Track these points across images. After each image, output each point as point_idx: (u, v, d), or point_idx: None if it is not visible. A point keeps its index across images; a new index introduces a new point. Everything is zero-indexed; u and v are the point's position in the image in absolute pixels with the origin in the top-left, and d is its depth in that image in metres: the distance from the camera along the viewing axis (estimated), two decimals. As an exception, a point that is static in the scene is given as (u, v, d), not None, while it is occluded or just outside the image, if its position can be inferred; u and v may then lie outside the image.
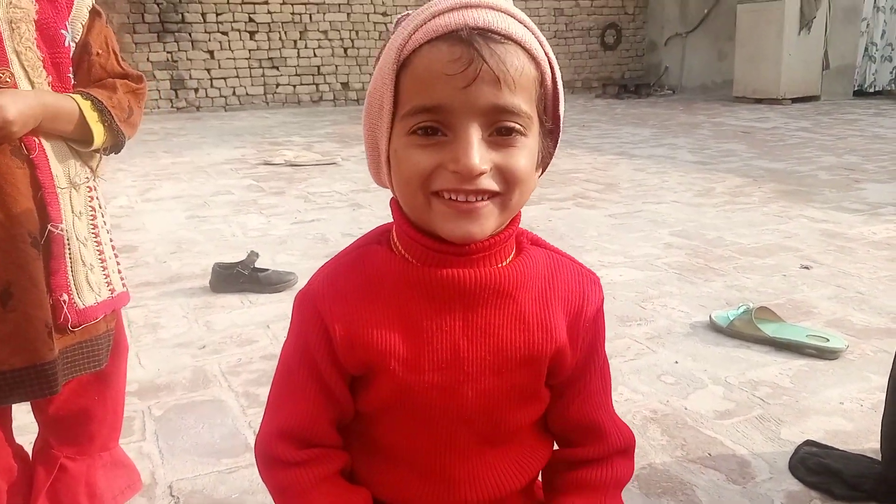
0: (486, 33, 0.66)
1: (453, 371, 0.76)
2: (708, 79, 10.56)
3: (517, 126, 0.68)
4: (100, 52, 1.26)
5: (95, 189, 1.29)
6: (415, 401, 0.77)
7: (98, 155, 1.28)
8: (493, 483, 0.82)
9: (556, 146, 0.78)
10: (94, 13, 1.24)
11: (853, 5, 9.01)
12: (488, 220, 0.70)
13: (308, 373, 0.78)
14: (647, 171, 4.85)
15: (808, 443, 1.56)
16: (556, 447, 0.88)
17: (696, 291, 2.53)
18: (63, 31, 1.18)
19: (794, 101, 8.75)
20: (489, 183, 0.68)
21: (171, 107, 9.11)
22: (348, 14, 9.77)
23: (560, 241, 3.08)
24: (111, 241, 1.33)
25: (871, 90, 9.18)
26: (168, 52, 9.04)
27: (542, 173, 0.78)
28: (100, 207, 1.29)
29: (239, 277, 2.53)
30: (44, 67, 1.16)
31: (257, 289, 2.52)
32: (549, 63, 0.72)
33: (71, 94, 1.18)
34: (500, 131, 0.68)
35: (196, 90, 9.23)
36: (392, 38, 0.70)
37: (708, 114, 8.12)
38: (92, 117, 1.19)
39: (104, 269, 1.27)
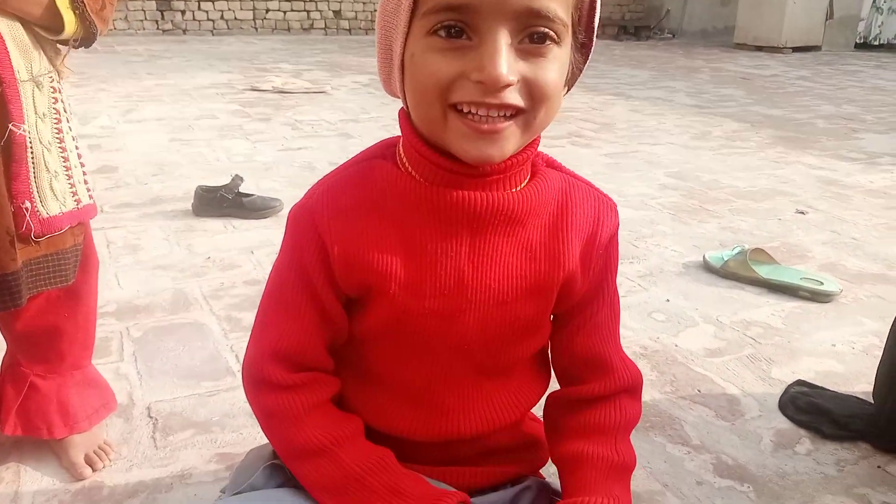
0: None
1: (456, 298, 0.71)
2: (709, 24, 10.33)
3: (550, 33, 0.60)
4: None
5: (60, 91, 1.19)
6: (413, 327, 0.72)
7: (64, 49, 1.19)
8: (486, 415, 0.77)
9: (586, 62, 0.70)
10: None
11: (862, -48, 8.77)
12: (509, 142, 0.63)
13: (302, 290, 0.73)
14: (643, 113, 4.75)
15: (799, 382, 1.54)
16: (559, 387, 0.83)
17: (690, 232, 2.49)
18: None
19: (795, 49, 8.59)
20: (515, 97, 0.60)
21: (157, 28, 8.80)
22: (342, -61, 9.40)
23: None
24: (77, 148, 1.23)
25: (877, 42, 9.02)
26: (153, -29, 8.68)
27: (568, 91, 0.70)
28: (65, 111, 1.20)
29: (222, 201, 2.45)
30: None
31: (241, 214, 2.45)
32: None
33: None
34: (532, 38, 0.60)
35: (183, 12, 8.90)
36: None
37: (707, 59, 7.97)
38: (63, 2, 1.09)
39: (69, 177, 1.19)
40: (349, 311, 0.76)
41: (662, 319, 1.83)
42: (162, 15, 8.82)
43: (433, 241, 0.70)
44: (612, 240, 0.78)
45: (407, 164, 0.70)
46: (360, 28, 9.65)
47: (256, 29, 9.23)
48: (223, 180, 2.61)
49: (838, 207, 2.80)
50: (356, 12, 9.67)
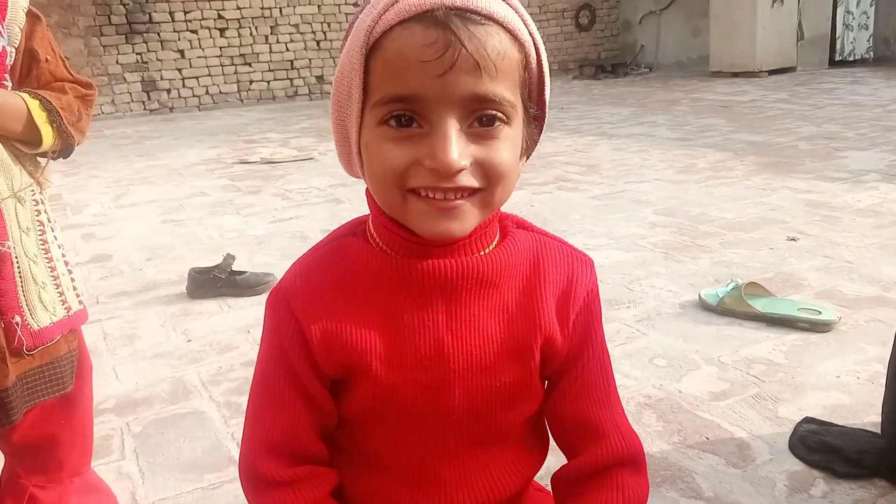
0: (465, 13, 0.59)
1: (438, 368, 0.71)
2: (684, 55, 10.52)
3: (499, 115, 0.62)
4: (48, 58, 1.18)
5: (42, 203, 1.21)
6: (399, 401, 0.72)
7: (43, 162, 1.21)
8: (486, 486, 0.76)
9: (541, 132, 0.72)
10: (32, 16, 1.17)
11: (824, -26, 8.99)
12: (468, 218, 0.64)
13: (286, 379, 0.72)
14: (627, 151, 4.80)
15: (807, 420, 1.52)
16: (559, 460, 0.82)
17: (684, 270, 2.49)
18: None
19: (771, 73, 8.74)
20: (469, 179, 0.62)
21: (144, 109, 8.95)
22: (319, 6, 9.63)
23: (543, 225, 3.01)
24: (63, 256, 1.25)
25: (851, 58, 9.18)
26: (137, 54, 8.87)
27: (525, 160, 0.72)
28: (48, 221, 1.21)
29: (216, 282, 2.46)
30: None
31: (235, 292, 2.46)
32: (535, 44, 0.65)
33: (18, 93, 1.11)
34: (481, 121, 0.62)
35: (168, 91, 9.07)
36: (360, 18, 0.64)
37: (685, 90, 8.10)
38: (41, 117, 1.12)
39: (57, 286, 1.20)
40: (336, 394, 0.75)
41: (664, 365, 1.82)
42: (148, 95, 8.98)
43: (409, 312, 0.70)
44: (591, 296, 0.77)
45: (377, 240, 0.71)
46: (343, 90, 9.80)
47: (242, 100, 9.39)
48: (216, 259, 2.62)
49: (829, 230, 2.81)
50: (338, 75, 9.85)
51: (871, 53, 9.27)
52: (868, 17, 9.19)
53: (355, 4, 0.69)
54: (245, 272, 2.53)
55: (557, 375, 0.78)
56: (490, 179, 0.63)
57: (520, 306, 0.72)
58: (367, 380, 0.71)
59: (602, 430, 0.76)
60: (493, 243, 0.72)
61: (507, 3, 0.63)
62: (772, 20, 8.62)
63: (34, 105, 1.11)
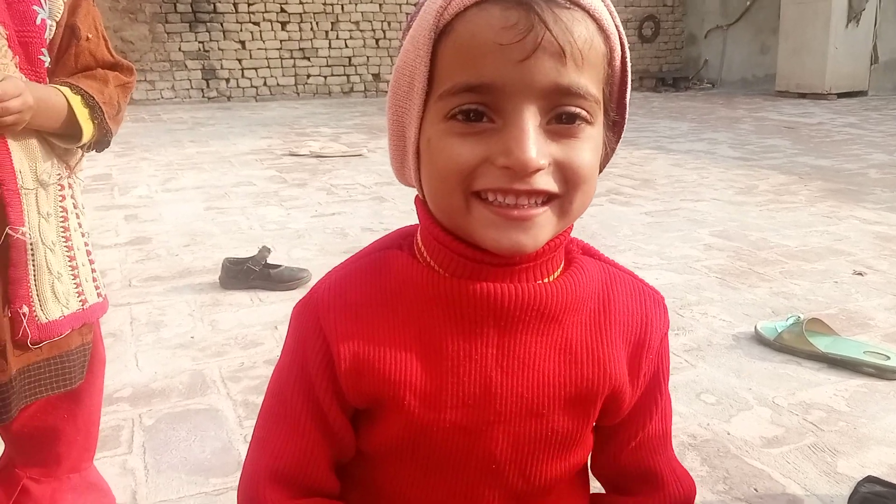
0: None
1: (482, 409, 0.61)
2: (749, 73, 10.21)
3: (583, 112, 0.54)
4: (89, 36, 1.12)
5: (71, 187, 1.15)
6: (432, 443, 0.62)
7: (80, 152, 1.16)
8: None
9: (618, 141, 0.63)
10: None
11: (906, -4, 8.60)
12: (543, 230, 0.56)
13: (303, 400, 0.63)
14: (685, 167, 4.62)
15: (870, 479, 1.37)
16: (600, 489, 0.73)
17: (740, 298, 2.33)
18: (36, 7, 1.04)
19: (840, 95, 8.39)
20: (547, 182, 0.54)
21: (203, 96, 9.08)
22: (380, 5, 9.64)
23: (592, 239, 2.89)
24: (86, 245, 1.18)
25: (924, 85, 8.77)
26: (200, 42, 9.01)
27: (600, 172, 0.62)
28: (74, 208, 1.15)
29: (249, 274, 2.40)
30: (9, 46, 1.02)
31: (268, 286, 2.39)
32: (620, 38, 0.57)
33: (59, 87, 1.06)
34: (562, 118, 0.54)
35: (227, 80, 9.19)
36: (429, 1, 0.56)
37: (749, 108, 7.82)
38: (83, 114, 1.07)
39: (74, 277, 1.13)
40: (357, 423, 0.66)
41: (713, 402, 1.68)
42: (207, 83, 9.11)
43: (455, 342, 0.60)
44: (663, 342, 0.67)
45: (426, 255, 0.62)
46: (398, 89, 9.79)
47: (298, 94, 9.45)
48: (254, 250, 2.57)
49: (900, 267, 2.61)
50: (394, 74, 9.84)
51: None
52: (951, 44, 8.75)
53: (416, 4, 0.61)
54: (279, 266, 2.47)
55: (617, 427, 0.68)
56: (569, 184, 0.55)
57: (585, 347, 0.62)
58: (398, 415, 0.61)
59: (661, 479, 0.69)
60: (558, 270, 0.63)
61: None
62: (845, 40, 8.28)
63: (76, 101, 1.07)
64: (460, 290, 0.59)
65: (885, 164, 4.58)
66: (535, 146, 0.52)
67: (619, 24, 0.57)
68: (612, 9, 0.56)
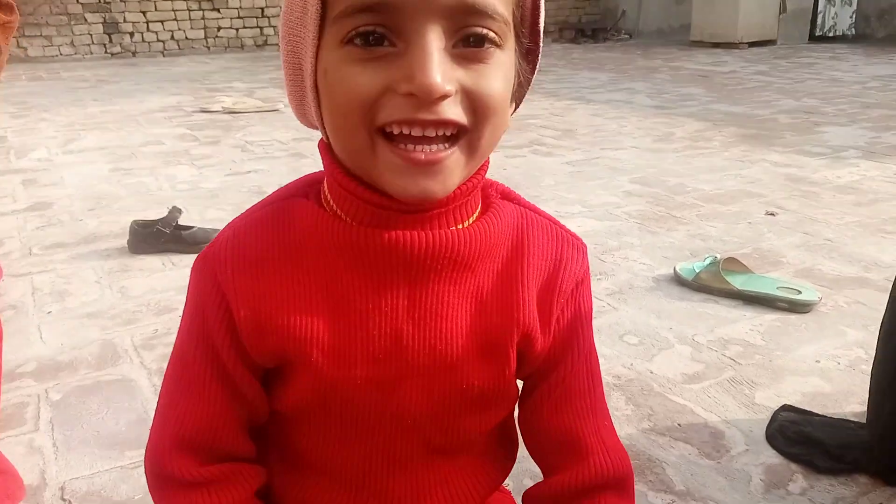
0: None
1: (393, 363, 0.58)
2: (665, 23, 10.37)
3: (491, 34, 0.49)
4: None
5: None
6: (344, 400, 0.59)
7: None
8: (443, 500, 0.64)
9: (534, 72, 0.58)
10: None
11: (811, -54, 8.86)
12: (453, 174, 0.52)
13: (207, 362, 0.59)
14: (604, 117, 4.66)
15: (786, 408, 1.42)
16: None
17: (659, 242, 2.37)
18: None
19: (751, 45, 8.63)
20: (455, 111, 0.49)
21: (105, 52, 8.56)
22: (292, -47, 9.25)
23: (515, 189, 2.89)
24: None
25: (832, 34, 9.09)
26: (99, -6, 8.44)
27: (515, 109, 0.59)
28: None
29: (160, 236, 2.27)
30: None
31: (181, 248, 2.28)
32: None
33: None
34: (469, 41, 0.49)
35: (131, 34, 8.68)
36: None
37: (665, 58, 7.95)
38: None
39: None
40: (268, 383, 0.62)
41: (635, 343, 1.71)
42: (110, 38, 8.58)
43: (364, 295, 0.56)
44: (581, 287, 0.64)
45: (332, 203, 0.57)
46: (315, 42, 9.47)
47: (209, 48, 9.02)
48: (164, 212, 2.44)
49: (808, 207, 2.72)
50: (310, 27, 9.51)
51: (854, 30, 9.18)
52: (852, -8, 9.10)
53: None
54: (192, 227, 2.35)
55: (536, 378, 0.65)
56: (478, 114, 0.50)
57: (495, 294, 0.59)
58: (306, 373, 0.58)
59: (586, 447, 0.64)
60: (474, 215, 0.59)
61: None
62: (755, -9, 8.49)
63: None
64: (368, 240, 0.55)
65: (793, 110, 4.75)
66: (441, 70, 0.47)
67: None
68: None
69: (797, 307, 1.85)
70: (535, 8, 0.55)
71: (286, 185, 0.63)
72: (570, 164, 3.45)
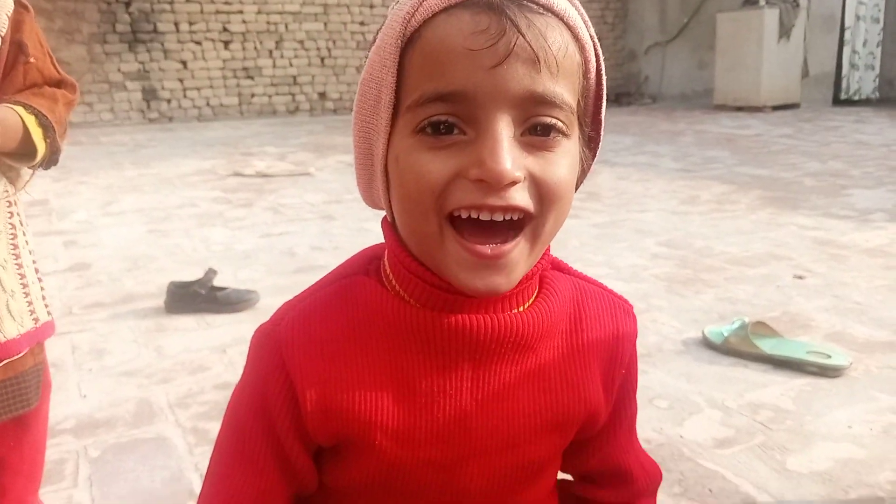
0: (522, 0, 0.50)
1: (457, 444, 0.58)
2: (688, 87, 10.52)
3: (559, 123, 0.51)
4: (37, 55, 1.10)
5: (15, 205, 1.13)
6: (404, 479, 0.59)
7: (29, 171, 1.13)
8: None
9: (594, 159, 0.60)
10: (20, 6, 1.08)
11: (831, 14, 9.01)
12: (518, 266, 0.53)
13: (263, 438, 0.59)
14: (630, 180, 4.72)
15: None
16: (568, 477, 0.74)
17: (687, 304, 2.38)
18: None
19: (775, 108, 8.71)
20: (522, 198, 0.51)
21: (143, 118, 8.89)
22: (325, 24, 9.62)
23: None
24: (34, 263, 1.16)
25: (856, 98, 9.16)
26: (140, 63, 8.83)
27: (575, 190, 0.60)
28: (21, 225, 1.13)
29: (195, 297, 2.34)
30: None
31: (215, 309, 2.34)
32: (595, 49, 0.55)
33: (13, 107, 1.03)
34: (537, 129, 0.51)
35: (168, 101, 9.02)
36: (396, 8, 0.53)
37: (689, 121, 8.05)
38: (37, 133, 1.06)
39: (26, 294, 1.11)
40: (322, 460, 0.62)
41: (665, 407, 1.70)
42: (148, 104, 8.92)
43: (429, 377, 0.57)
44: (633, 351, 0.66)
45: (394, 283, 0.58)
46: (344, 108, 9.77)
47: (242, 114, 9.34)
48: (199, 272, 2.51)
49: (837, 270, 2.71)
50: (340, 93, 9.82)
51: (877, 94, 9.24)
52: (875, 58, 9.18)
53: (361, 23, 0.58)
54: (226, 288, 2.42)
55: (586, 439, 0.67)
56: (544, 201, 0.52)
57: (559, 372, 0.61)
58: (369, 453, 0.59)
59: (630, 474, 0.70)
60: (533, 295, 0.60)
61: None
62: (777, 56, 8.61)
63: (31, 121, 1.05)
64: (434, 324, 0.56)
65: (818, 173, 4.76)
66: (510, 156, 0.49)
67: (594, 34, 0.55)
68: (587, 18, 0.55)
69: (827, 371, 1.84)
70: (598, 98, 0.57)
71: (346, 262, 0.64)
72: (596, 226, 3.49)
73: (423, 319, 0.56)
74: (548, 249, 0.64)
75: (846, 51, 9.03)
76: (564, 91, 0.51)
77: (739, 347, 1.95)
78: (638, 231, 3.37)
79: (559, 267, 0.65)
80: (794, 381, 1.82)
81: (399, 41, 0.51)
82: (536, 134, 0.51)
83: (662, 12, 10.86)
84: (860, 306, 2.32)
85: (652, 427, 1.61)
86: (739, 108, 8.76)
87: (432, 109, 0.50)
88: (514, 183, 0.50)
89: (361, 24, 9.69)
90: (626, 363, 0.65)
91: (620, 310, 0.65)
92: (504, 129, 0.50)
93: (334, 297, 0.60)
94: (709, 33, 9.54)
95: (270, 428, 0.59)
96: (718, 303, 2.39)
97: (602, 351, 0.63)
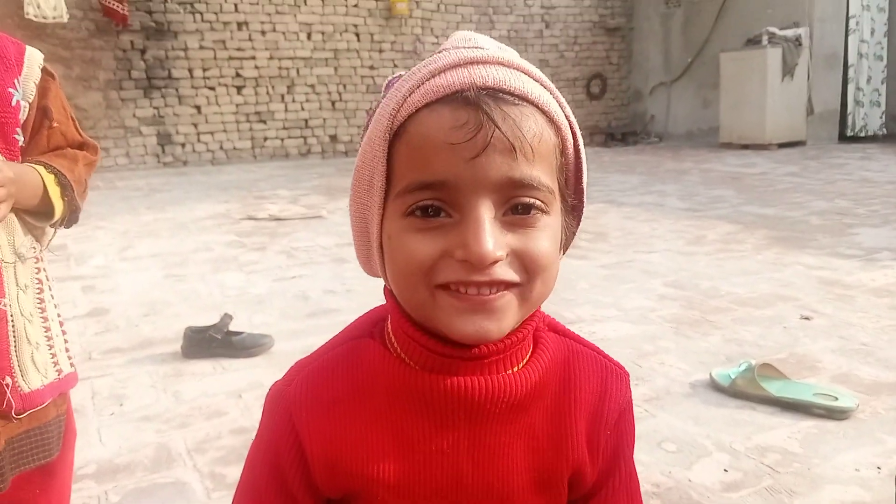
0: (497, 93, 0.55)
1: (453, 500, 0.63)
2: (694, 126, 10.64)
3: (537, 202, 0.56)
4: (60, 119, 1.18)
5: (42, 260, 1.19)
6: None
7: (52, 230, 1.20)
8: None
9: (578, 224, 0.65)
10: (46, 73, 1.16)
11: (833, 52, 9.14)
12: (506, 315, 0.57)
13: (277, 492, 0.65)
14: (636, 220, 4.77)
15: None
16: None
17: (694, 346, 2.41)
18: (11, 90, 1.09)
19: (781, 146, 8.78)
20: (506, 272, 0.56)
21: (158, 162, 9.06)
22: (335, 68, 9.83)
23: (551, 295, 2.96)
24: (59, 316, 1.22)
25: (862, 135, 9.23)
26: (154, 108, 9.03)
27: (562, 254, 0.65)
28: (46, 280, 1.19)
29: (211, 342, 2.39)
30: None
31: (231, 353, 2.39)
32: (571, 127, 0.60)
33: (34, 166, 1.10)
34: (517, 209, 0.56)
35: (183, 145, 9.20)
36: (383, 103, 0.59)
37: (695, 160, 8.13)
38: (55, 192, 1.12)
39: (50, 347, 1.16)
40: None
41: (673, 450, 1.73)
42: (163, 149, 9.10)
43: (427, 437, 0.62)
44: (624, 415, 0.69)
45: (396, 346, 0.63)
46: (354, 150, 9.93)
47: (255, 157, 9.50)
48: (215, 317, 2.57)
49: (843, 310, 2.74)
50: (351, 136, 9.99)
51: (884, 130, 9.31)
52: (880, 95, 9.28)
53: (371, 67, 0.65)
54: (242, 333, 2.47)
55: (579, 500, 0.70)
56: (529, 272, 0.56)
57: (547, 431, 0.64)
58: None
59: None
60: (527, 357, 0.64)
61: (542, 84, 0.58)
62: (781, 94, 8.73)
63: (50, 180, 1.11)
64: (432, 386, 0.60)
65: (825, 211, 4.80)
66: (492, 238, 0.54)
67: (570, 113, 0.60)
68: (562, 99, 0.60)
69: (834, 414, 1.86)
70: (578, 171, 0.62)
71: (354, 324, 0.69)
72: (603, 267, 3.53)
73: (423, 382, 0.60)
74: (544, 313, 0.68)
75: (850, 88, 9.14)
76: (541, 173, 0.56)
77: (747, 390, 1.98)
78: (645, 272, 3.41)
79: (555, 328, 0.69)
80: (802, 423, 1.84)
81: (387, 134, 0.57)
82: (517, 213, 0.56)
83: (667, 52, 11.04)
84: (867, 347, 2.35)
85: (661, 471, 1.64)
86: (745, 146, 8.84)
87: (419, 196, 0.55)
88: (496, 261, 0.54)
89: (371, 68, 9.91)
90: (613, 425, 0.67)
91: (612, 374, 0.68)
92: (485, 213, 0.54)
93: (341, 358, 0.65)
94: (712, 72, 9.68)
95: (283, 482, 0.64)
96: (725, 344, 2.42)
97: (587, 411, 0.66)
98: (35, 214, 1.12)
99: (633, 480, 0.71)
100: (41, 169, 1.10)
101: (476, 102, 0.54)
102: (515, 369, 0.62)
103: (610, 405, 0.67)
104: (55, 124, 1.16)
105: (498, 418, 0.62)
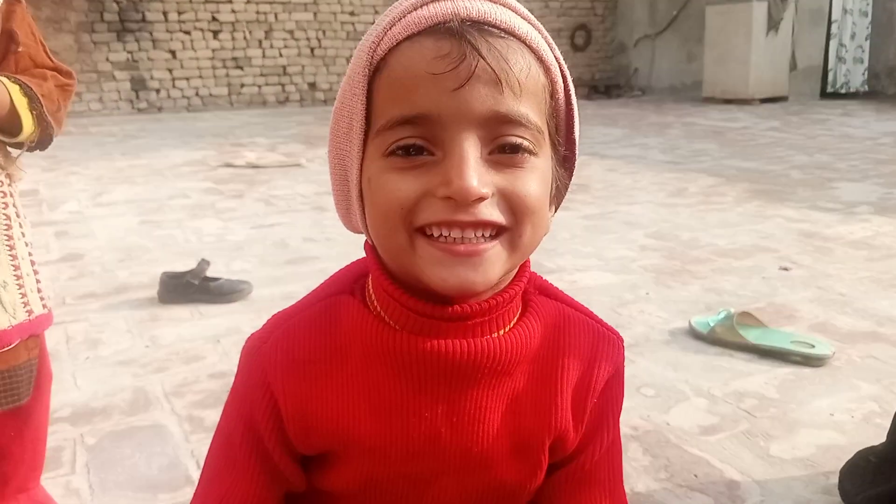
0: (482, 25, 0.52)
1: (429, 462, 0.61)
2: (677, 80, 10.58)
3: (525, 142, 0.53)
4: (28, 43, 1.11)
5: (11, 196, 1.14)
6: (381, 490, 0.63)
7: (15, 152, 1.13)
8: None
9: (570, 177, 0.62)
10: None
11: (819, 7, 9.08)
12: (494, 265, 0.54)
13: (251, 446, 0.63)
14: (619, 172, 4.76)
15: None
16: None
17: (674, 295, 2.42)
18: None
19: (763, 101, 8.78)
20: (492, 212, 0.52)
21: (132, 108, 8.85)
22: (315, 13, 9.59)
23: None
24: (30, 254, 1.17)
25: (844, 91, 9.23)
26: (128, 52, 8.78)
27: (555, 211, 0.61)
28: (17, 217, 1.14)
29: (189, 287, 2.35)
30: None
31: (208, 299, 2.35)
32: (562, 71, 0.57)
33: None
34: (504, 148, 0.53)
35: (157, 91, 8.98)
36: (363, 39, 0.55)
37: (678, 114, 8.10)
38: (21, 103, 1.05)
39: (20, 287, 1.12)
40: (309, 465, 0.66)
41: (652, 395, 1.74)
42: (137, 94, 8.88)
43: (405, 399, 0.59)
44: (613, 381, 0.66)
45: (377, 305, 0.60)
46: (334, 99, 9.73)
47: (232, 104, 9.30)
48: (192, 263, 2.52)
49: (822, 262, 2.76)
50: (331, 84, 9.80)
51: (867, 87, 9.31)
52: (864, 51, 9.26)
53: (351, 13, 0.61)
54: (219, 279, 2.43)
55: (559, 462, 0.68)
56: (517, 214, 0.53)
57: (531, 396, 0.62)
58: (347, 465, 0.62)
59: None
60: (514, 319, 0.61)
61: (529, 23, 0.54)
62: (766, 49, 8.69)
63: (14, 90, 1.04)
64: (411, 347, 0.57)
65: (805, 165, 4.82)
66: (476, 174, 0.51)
67: (560, 57, 0.57)
68: (552, 42, 0.56)
69: (811, 361, 1.88)
70: (570, 118, 0.59)
71: (334, 277, 0.66)
72: (585, 217, 3.52)
73: (401, 343, 0.57)
74: (535, 274, 0.65)
75: (833, 44, 9.10)
76: (529, 110, 0.53)
77: (725, 337, 2.00)
78: (627, 223, 3.41)
79: (546, 291, 0.66)
80: (779, 369, 1.87)
81: (367, 70, 0.54)
82: (504, 153, 0.53)
83: (652, 5, 10.90)
84: (843, 297, 2.37)
85: (639, 415, 1.65)
86: (728, 101, 8.83)
87: (400, 133, 0.52)
88: (481, 199, 0.51)
89: (351, 14, 9.66)
90: (600, 391, 0.65)
91: (603, 340, 0.66)
92: (470, 149, 0.51)
93: (318, 316, 0.62)
94: (698, 26, 9.59)
95: (257, 438, 0.63)
96: (705, 293, 2.44)
97: (575, 378, 0.63)
98: (2, 132, 1.06)
99: (614, 446, 0.69)
100: (3, 79, 1.03)
101: (460, 33, 0.51)
102: (501, 332, 0.59)
103: (598, 372, 0.64)
104: (20, 48, 1.10)
105: (479, 383, 0.59)
